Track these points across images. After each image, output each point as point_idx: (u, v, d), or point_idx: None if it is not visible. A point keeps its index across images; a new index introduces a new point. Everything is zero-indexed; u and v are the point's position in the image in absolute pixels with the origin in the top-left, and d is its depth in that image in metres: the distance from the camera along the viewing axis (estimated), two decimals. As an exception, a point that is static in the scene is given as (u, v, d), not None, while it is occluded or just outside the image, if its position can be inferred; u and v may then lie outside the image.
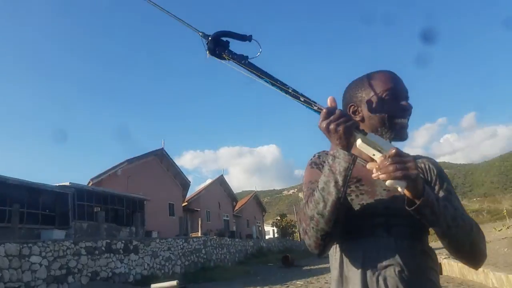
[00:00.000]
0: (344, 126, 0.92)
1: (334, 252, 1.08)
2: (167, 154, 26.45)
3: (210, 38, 1.06)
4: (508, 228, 20.06)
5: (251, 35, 1.10)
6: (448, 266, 8.93)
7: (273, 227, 42.96)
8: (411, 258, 0.99)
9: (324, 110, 0.94)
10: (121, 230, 17.45)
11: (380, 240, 1.00)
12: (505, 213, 23.01)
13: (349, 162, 0.94)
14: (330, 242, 1.00)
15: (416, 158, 1.13)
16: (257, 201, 43.15)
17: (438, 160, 1.18)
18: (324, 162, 1.06)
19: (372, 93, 1.12)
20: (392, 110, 1.10)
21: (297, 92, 0.98)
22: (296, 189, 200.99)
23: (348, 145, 0.94)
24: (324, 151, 1.18)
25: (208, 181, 39.08)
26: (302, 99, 0.98)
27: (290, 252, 24.01)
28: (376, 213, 1.02)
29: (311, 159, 1.17)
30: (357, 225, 1.03)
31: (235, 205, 36.81)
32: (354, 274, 0.99)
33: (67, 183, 15.72)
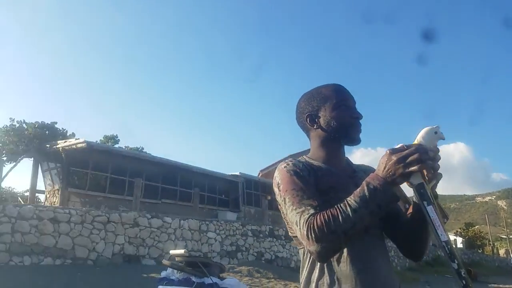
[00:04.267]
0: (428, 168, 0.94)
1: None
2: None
3: None
4: None
5: None
6: None
7: (456, 236, 37.95)
8: (386, 254, 1.17)
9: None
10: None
11: (365, 239, 1.11)
12: None
13: (393, 200, 1.00)
14: (336, 253, 1.07)
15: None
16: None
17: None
18: (301, 170, 1.14)
19: (328, 103, 1.23)
20: (347, 117, 1.21)
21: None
22: (494, 196, 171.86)
23: (399, 184, 0.97)
24: (293, 159, 1.21)
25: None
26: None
27: (477, 267, 20.95)
28: None
29: (286, 166, 1.15)
30: None
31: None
32: (348, 272, 1.09)
33: (238, 173, 17.87)
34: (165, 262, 2.81)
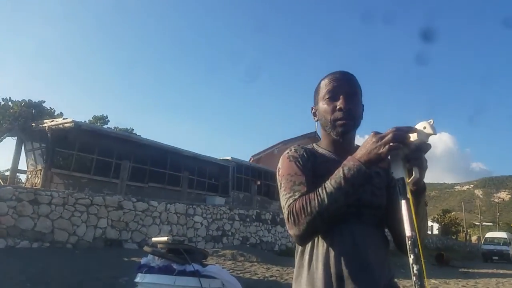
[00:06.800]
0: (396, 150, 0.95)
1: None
2: (320, 137, 26.84)
3: None
4: None
5: None
6: None
7: (433, 222, 38.95)
8: (379, 243, 1.16)
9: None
10: (271, 203, 18.83)
11: (353, 226, 1.11)
12: None
13: (366, 180, 1.03)
14: (314, 235, 1.10)
15: None
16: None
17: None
18: (301, 156, 1.18)
19: (319, 95, 1.25)
20: (329, 110, 1.20)
21: None
22: (472, 185, 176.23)
23: (374, 163, 0.99)
24: (299, 145, 1.25)
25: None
26: None
27: (450, 252, 21.63)
28: (349, 204, 1.07)
29: (288, 152, 1.21)
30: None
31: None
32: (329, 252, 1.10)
33: (229, 158, 17.78)
34: (146, 248, 2.68)
